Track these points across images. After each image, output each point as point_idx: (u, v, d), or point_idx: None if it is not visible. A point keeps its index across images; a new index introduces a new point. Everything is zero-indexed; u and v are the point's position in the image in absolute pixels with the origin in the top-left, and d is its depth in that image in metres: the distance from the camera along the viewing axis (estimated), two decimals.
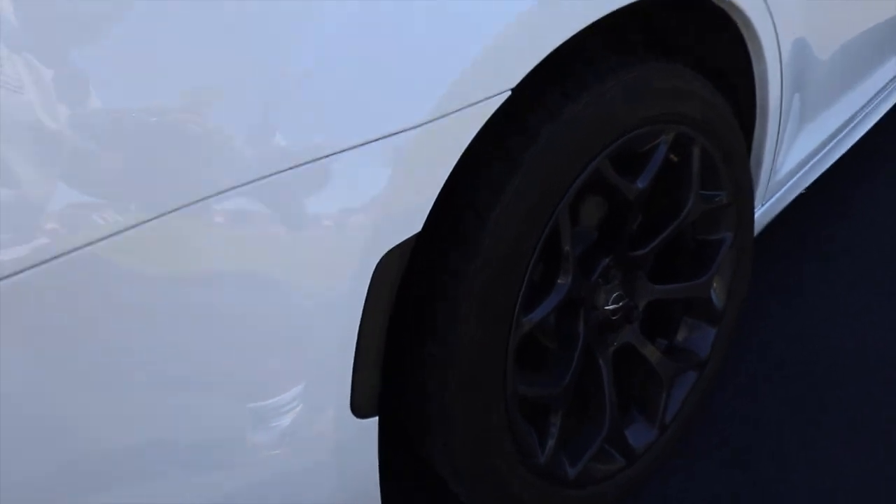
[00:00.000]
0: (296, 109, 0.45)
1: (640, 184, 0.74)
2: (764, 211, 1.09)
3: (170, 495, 0.47)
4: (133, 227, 0.40)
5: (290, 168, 0.44)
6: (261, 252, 0.45)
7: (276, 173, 0.44)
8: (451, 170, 0.51)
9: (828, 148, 1.24)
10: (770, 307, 1.19)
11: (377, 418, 0.54)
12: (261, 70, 0.45)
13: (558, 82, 0.64)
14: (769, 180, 1.06)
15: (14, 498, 0.41)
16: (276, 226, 0.45)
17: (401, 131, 0.47)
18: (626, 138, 0.69)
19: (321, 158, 0.44)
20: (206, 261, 0.44)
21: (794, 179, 1.16)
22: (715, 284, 0.95)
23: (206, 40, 0.43)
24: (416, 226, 0.49)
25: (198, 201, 0.43)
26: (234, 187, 0.43)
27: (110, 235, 0.40)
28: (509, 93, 0.52)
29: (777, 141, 1.02)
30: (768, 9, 0.79)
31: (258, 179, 0.43)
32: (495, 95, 0.52)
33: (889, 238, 1.33)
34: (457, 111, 0.49)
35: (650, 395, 0.93)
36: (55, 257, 0.38)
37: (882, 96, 1.37)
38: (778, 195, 1.12)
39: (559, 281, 0.69)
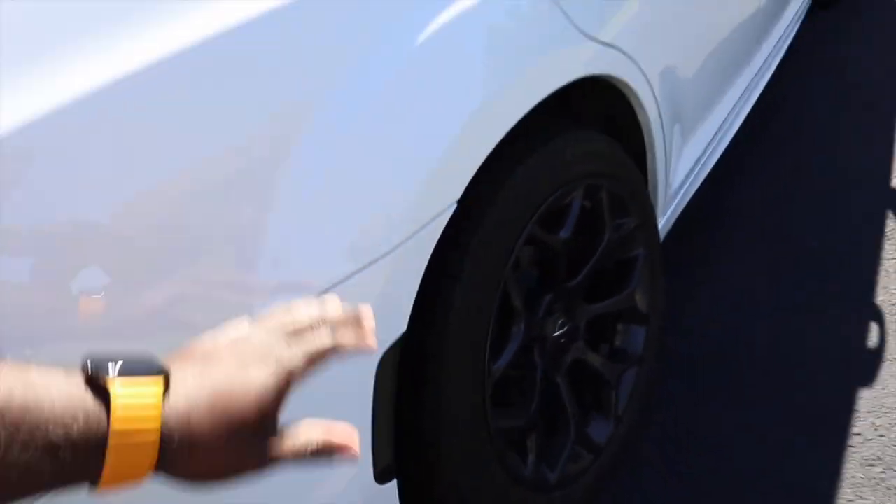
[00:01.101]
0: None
1: (564, 234, 0.91)
2: (666, 219, 1.30)
3: None
4: None
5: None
6: None
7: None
8: (420, 275, 0.64)
9: (708, 153, 1.46)
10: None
11: (396, 481, 0.67)
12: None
13: (487, 170, 0.79)
14: (666, 194, 1.26)
15: None
16: None
17: (384, 255, 0.60)
18: (547, 203, 0.85)
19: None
20: None
21: (685, 187, 1.37)
22: (637, 293, 1.13)
23: None
24: (404, 325, 0.62)
25: None
26: None
27: None
28: (455, 205, 0.66)
29: (666, 163, 1.22)
30: (647, 80, 0.98)
31: None
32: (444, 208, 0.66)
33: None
34: (422, 227, 0.63)
35: (603, 395, 1.10)
36: None
37: (743, 99, 1.62)
38: (674, 204, 1.33)
39: (514, 329, 0.84)
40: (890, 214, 1.48)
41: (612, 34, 0.89)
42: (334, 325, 0.40)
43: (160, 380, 0.34)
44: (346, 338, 0.40)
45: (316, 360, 0.39)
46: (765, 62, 1.77)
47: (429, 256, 0.65)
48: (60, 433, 0.30)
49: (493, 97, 0.71)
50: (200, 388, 0.35)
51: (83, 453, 0.31)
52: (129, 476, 0.33)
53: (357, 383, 0.60)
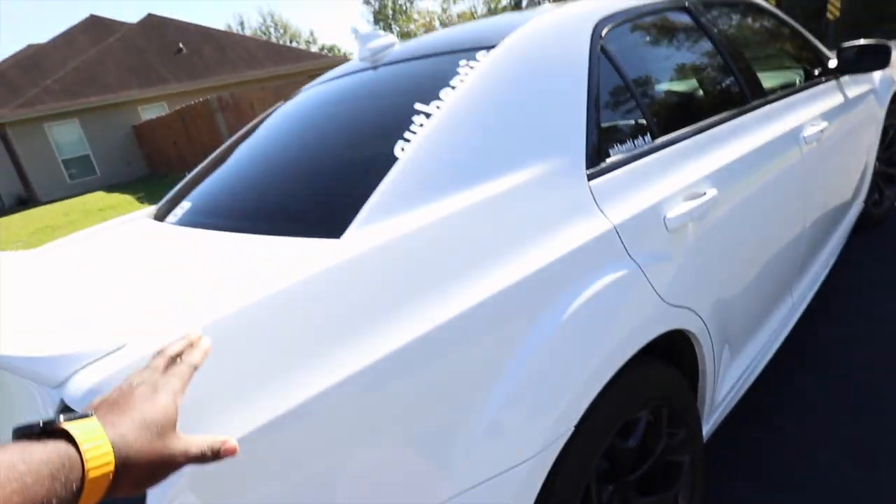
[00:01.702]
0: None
1: (632, 443, 1.16)
2: (710, 426, 1.53)
3: None
4: None
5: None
6: None
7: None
8: (546, 474, 0.92)
9: (751, 369, 1.71)
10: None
11: None
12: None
13: None
14: (712, 406, 1.51)
15: None
16: None
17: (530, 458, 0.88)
18: (624, 421, 1.12)
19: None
20: None
21: (729, 398, 1.61)
22: (680, 493, 1.35)
23: None
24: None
25: None
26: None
27: None
28: (573, 429, 0.95)
29: (715, 380, 1.48)
30: (706, 325, 1.28)
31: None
32: (567, 431, 0.94)
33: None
34: (554, 441, 0.91)
35: None
36: None
37: (786, 320, 1.89)
38: (718, 413, 1.57)
39: None
40: None
41: (685, 299, 1.20)
42: (186, 352, 0.60)
43: (96, 421, 0.45)
44: (195, 357, 0.61)
45: (186, 378, 0.57)
46: (807, 287, 2.06)
47: (553, 461, 0.92)
48: (45, 487, 0.39)
49: (611, 352, 1.01)
50: (128, 423, 0.47)
51: (67, 494, 0.40)
52: (91, 501, 0.42)
53: None
